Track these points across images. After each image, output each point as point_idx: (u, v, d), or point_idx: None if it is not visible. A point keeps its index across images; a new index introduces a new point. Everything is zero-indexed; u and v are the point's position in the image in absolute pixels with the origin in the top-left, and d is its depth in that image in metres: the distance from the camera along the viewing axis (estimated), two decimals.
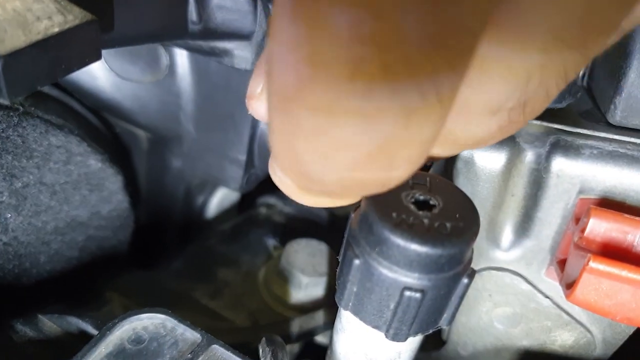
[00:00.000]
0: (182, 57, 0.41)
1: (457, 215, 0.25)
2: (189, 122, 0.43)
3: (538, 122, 0.32)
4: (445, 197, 0.26)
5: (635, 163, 0.30)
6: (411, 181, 0.26)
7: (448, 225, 0.24)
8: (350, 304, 0.27)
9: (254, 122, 0.42)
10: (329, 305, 0.41)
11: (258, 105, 0.25)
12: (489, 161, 0.32)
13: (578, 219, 0.31)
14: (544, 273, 0.34)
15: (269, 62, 0.16)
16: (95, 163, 0.39)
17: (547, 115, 0.32)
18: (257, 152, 0.44)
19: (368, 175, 0.17)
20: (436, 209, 0.25)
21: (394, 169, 0.17)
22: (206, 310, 0.40)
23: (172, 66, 0.41)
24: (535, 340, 0.36)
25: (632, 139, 0.31)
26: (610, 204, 0.30)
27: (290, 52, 0.14)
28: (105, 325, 0.32)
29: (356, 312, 0.27)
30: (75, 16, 0.25)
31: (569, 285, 0.29)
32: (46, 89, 0.40)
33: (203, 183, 0.49)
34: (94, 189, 0.40)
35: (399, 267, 0.24)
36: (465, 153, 0.32)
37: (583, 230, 0.29)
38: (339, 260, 0.29)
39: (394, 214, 0.24)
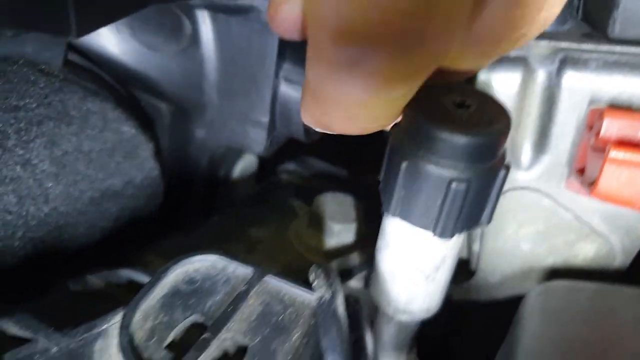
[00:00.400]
0: (205, 25, 0.43)
1: (490, 111, 0.27)
2: (212, 90, 0.45)
3: (546, 43, 0.35)
4: (478, 99, 0.28)
5: (637, 70, 0.33)
6: (446, 89, 0.29)
7: (484, 117, 0.27)
8: (398, 209, 0.29)
9: (275, 83, 0.44)
10: (361, 249, 0.43)
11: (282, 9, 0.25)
12: (505, 84, 0.35)
13: (591, 127, 0.34)
14: (564, 186, 0.37)
15: None
16: (129, 130, 0.41)
17: (553, 37, 0.35)
18: (278, 113, 0.46)
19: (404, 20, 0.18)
20: (472, 108, 0.28)
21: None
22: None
23: (194, 34, 0.43)
24: (560, 256, 0.39)
25: (632, 49, 0.34)
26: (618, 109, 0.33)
27: None
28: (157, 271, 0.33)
29: (404, 216, 0.29)
30: None
31: (591, 184, 0.32)
32: (78, 58, 0.42)
33: (225, 152, 0.51)
34: (128, 156, 0.42)
35: (445, 161, 0.27)
36: (482, 77, 0.35)
37: (598, 133, 0.32)
38: (382, 174, 0.31)
39: (438, 114, 0.27)
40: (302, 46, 0.44)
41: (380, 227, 0.33)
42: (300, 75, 0.44)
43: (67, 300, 0.35)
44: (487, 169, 0.27)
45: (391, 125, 0.30)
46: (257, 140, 0.47)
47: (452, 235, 0.29)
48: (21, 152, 0.37)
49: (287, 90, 0.45)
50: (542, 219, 0.38)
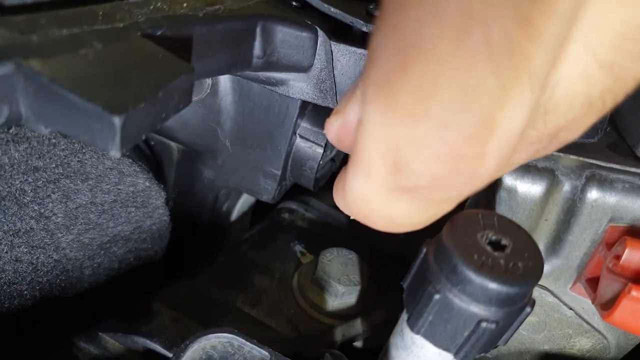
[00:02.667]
0: (224, 78, 0.42)
1: (525, 255, 0.28)
2: (226, 138, 0.45)
3: (574, 157, 0.35)
4: (512, 236, 0.29)
5: None
6: (482, 221, 0.29)
7: (520, 265, 0.28)
8: (422, 329, 0.30)
9: (292, 139, 0.44)
10: (364, 312, 0.44)
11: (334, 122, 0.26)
12: (530, 190, 0.36)
13: (608, 243, 0.35)
14: (570, 288, 0.38)
15: (371, 50, 0.18)
16: (142, 182, 0.41)
17: (581, 149, 0.36)
18: (291, 166, 0.46)
19: (460, 164, 0.18)
20: (508, 249, 0.28)
21: (484, 159, 0.18)
22: (249, 319, 0.43)
23: (214, 85, 0.42)
24: (556, 345, 0.41)
25: None
26: (638, 231, 0.34)
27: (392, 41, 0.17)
28: (177, 347, 0.34)
29: (428, 337, 0.30)
30: (178, 66, 0.26)
31: (604, 306, 0.33)
32: None
33: (229, 191, 0.51)
34: (140, 206, 0.42)
35: (477, 303, 0.27)
36: (508, 182, 0.36)
37: (618, 258, 0.33)
38: (407, 285, 0.32)
39: (475, 256, 0.27)
40: (318, 108, 0.44)
41: (398, 326, 0.34)
42: (316, 134, 0.44)
43: None
44: (517, 309, 0.28)
45: None
46: (267, 189, 0.47)
47: (472, 358, 0.30)
48: (36, 207, 0.37)
49: (302, 145, 0.45)
50: (544, 313, 0.39)
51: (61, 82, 0.23)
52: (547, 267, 0.38)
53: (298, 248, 0.50)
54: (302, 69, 0.36)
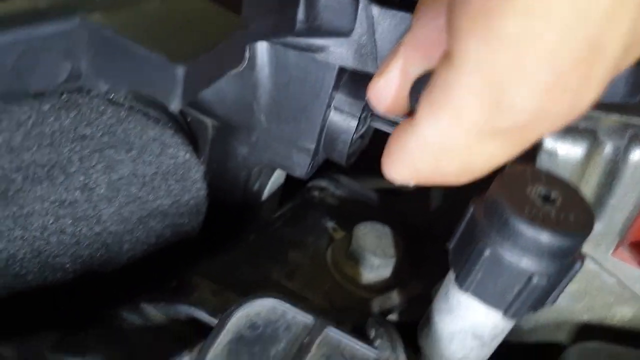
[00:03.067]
0: (262, 50, 0.42)
1: (575, 208, 0.28)
2: (262, 113, 0.45)
3: (616, 117, 0.36)
4: (561, 190, 0.29)
5: None
6: (530, 177, 0.29)
7: (571, 217, 0.28)
8: (472, 287, 0.30)
9: (326, 112, 0.44)
10: (399, 285, 0.44)
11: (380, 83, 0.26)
12: (570, 152, 0.36)
13: None
14: (611, 254, 0.38)
15: None
16: (184, 155, 0.41)
17: (622, 110, 0.36)
18: (324, 140, 0.46)
19: (564, 94, 0.18)
20: (557, 202, 0.28)
21: (589, 85, 0.18)
22: (287, 291, 0.43)
23: (251, 58, 0.42)
24: (596, 315, 0.41)
25: None
26: None
27: None
28: (222, 314, 0.34)
29: (478, 294, 0.30)
30: (234, 21, 0.27)
31: None
32: None
33: (262, 169, 0.51)
34: (180, 179, 0.42)
35: (529, 256, 0.28)
36: (548, 145, 0.36)
37: None
38: (453, 244, 0.32)
39: (526, 209, 0.28)
40: (354, 78, 0.44)
41: (442, 289, 0.34)
42: (351, 105, 0.44)
43: (126, 332, 0.36)
44: (568, 264, 0.28)
45: None
46: (300, 164, 0.47)
47: (521, 317, 0.30)
48: (81, 177, 0.37)
49: (336, 118, 0.45)
50: (584, 280, 0.39)
51: (125, 34, 0.24)
52: None
53: (330, 224, 0.50)
54: (343, 33, 0.37)
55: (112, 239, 0.42)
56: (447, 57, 0.20)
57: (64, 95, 0.33)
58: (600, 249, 0.38)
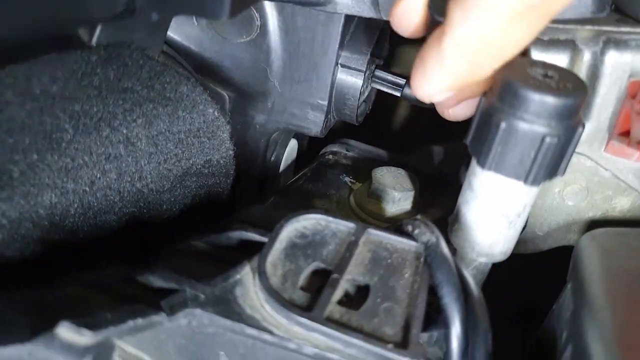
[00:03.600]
0: (272, 17, 0.47)
1: (570, 79, 0.33)
2: (276, 77, 0.50)
3: (590, 27, 0.41)
4: (556, 70, 0.34)
5: None
6: (528, 63, 0.34)
7: (569, 85, 0.33)
8: (494, 163, 0.34)
9: (335, 70, 0.49)
10: (421, 214, 0.48)
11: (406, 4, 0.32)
12: (556, 61, 0.41)
13: (632, 96, 0.40)
14: (604, 149, 0.43)
15: None
16: (212, 112, 0.45)
17: (595, 22, 0.42)
18: (335, 98, 0.51)
19: None
20: (555, 77, 0.33)
21: None
22: None
23: (263, 26, 0.47)
24: (599, 209, 0.45)
25: None
26: None
27: None
28: (273, 228, 0.37)
29: (499, 169, 0.34)
30: None
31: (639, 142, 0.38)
32: (167, 48, 0.46)
33: (278, 136, 0.55)
34: (210, 137, 0.46)
35: (539, 119, 0.32)
36: (535, 57, 0.41)
37: None
38: (471, 136, 0.36)
39: (531, 81, 0.32)
40: (355, 37, 0.49)
41: (466, 183, 0.38)
42: (356, 61, 0.49)
43: (185, 261, 0.39)
44: (572, 126, 0.33)
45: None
46: (315, 122, 0.52)
47: (539, 183, 0.34)
48: (125, 131, 0.40)
49: (344, 76, 0.50)
50: (584, 178, 0.44)
51: None
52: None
53: (347, 179, 0.54)
54: None
55: (153, 197, 0.45)
56: None
57: (109, 48, 0.37)
58: (593, 146, 0.43)
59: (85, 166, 0.39)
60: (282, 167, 0.59)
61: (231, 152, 0.48)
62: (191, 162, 0.46)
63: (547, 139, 0.32)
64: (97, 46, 0.36)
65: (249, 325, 0.32)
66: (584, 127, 0.34)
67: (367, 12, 0.43)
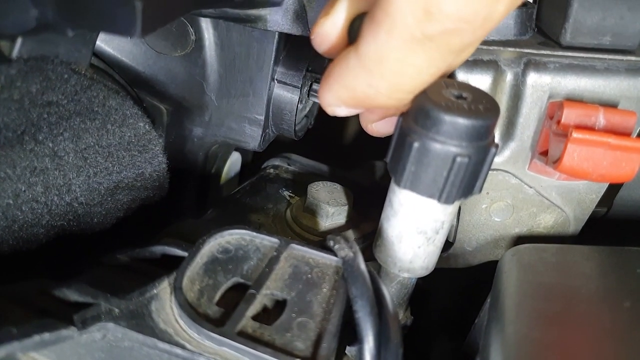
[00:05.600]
0: (207, 32, 0.48)
1: (483, 101, 0.34)
2: (212, 91, 0.50)
3: (512, 49, 0.42)
4: (471, 91, 0.35)
5: (587, 71, 0.41)
6: (444, 84, 0.35)
7: (480, 106, 0.34)
8: (408, 182, 0.35)
9: (271, 86, 0.49)
10: (353, 228, 0.49)
11: (327, 24, 0.32)
12: (480, 82, 0.42)
13: (551, 116, 0.41)
14: (527, 168, 0.44)
15: None
16: (143, 125, 0.45)
17: (517, 44, 0.43)
18: (272, 112, 0.51)
19: (481, 5, 0.25)
20: (469, 98, 0.34)
21: (497, 4, 0.25)
22: None
23: (198, 40, 0.48)
24: (525, 226, 0.46)
25: (581, 54, 0.42)
26: (572, 102, 0.41)
27: None
28: (194, 244, 0.37)
29: (414, 188, 0.35)
30: None
31: (555, 162, 0.39)
32: (96, 61, 0.45)
33: (218, 149, 0.55)
34: (141, 151, 0.46)
35: (451, 140, 0.33)
36: (460, 77, 0.42)
37: (559, 121, 0.39)
38: (390, 155, 0.37)
39: (443, 103, 0.33)
40: (290, 54, 0.49)
41: (387, 200, 0.39)
42: (292, 77, 0.50)
43: (107, 274, 0.39)
44: (484, 147, 0.34)
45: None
46: (252, 136, 0.52)
47: (453, 202, 0.35)
48: (50, 144, 0.40)
49: (280, 91, 0.50)
50: (510, 195, 0.45)
51: None
52: (506, 152, 0.44)
53: (286, 193, 0.55)
54: (276, 3, 0.43)
55: (83, 210, 0.44)
56: None
57: (30, 61, 0.37)
58: (518, 164, 0.44)
59: (9, 179, 0.39)
60: (223, 180, 0.59)
61: (164, 166, 0.48)
62: (122, 175, 0.46)
63: (459, 159, 0.33)
64: (18, 59, 0.36)
65: (161, 340, 0.32)
66: (497, 147, 0.35)
67: (297, 30, 0.44)
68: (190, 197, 0.56)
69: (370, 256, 0.48)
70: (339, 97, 0.34)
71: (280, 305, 0.34)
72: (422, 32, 0.26)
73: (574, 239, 0.47)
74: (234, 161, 0.59)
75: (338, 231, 0.49)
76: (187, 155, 0.54)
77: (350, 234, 0.47)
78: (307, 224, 0.49)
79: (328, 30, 0.34)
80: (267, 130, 0.52)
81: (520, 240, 0.47)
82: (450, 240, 0.49)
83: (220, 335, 0.31)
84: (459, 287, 0.57)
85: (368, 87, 0.31)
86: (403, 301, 0.43)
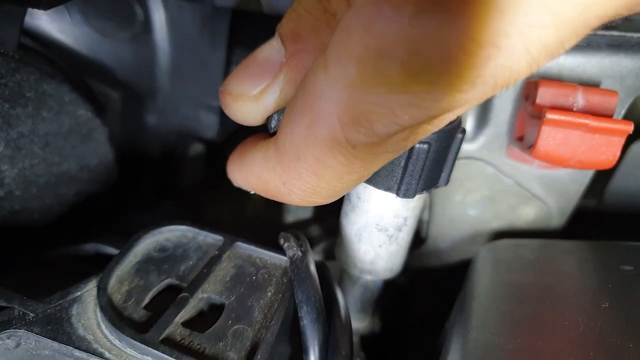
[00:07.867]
0: (157, 11, 0.44)
1: None
2: (164, 76, 0.46)
3: None
4: None
5: None
6: None
7: None
8: None
9: (227, 68, 0.46)
10: (318, 223, 0.45)
11: (250, 106, 0.26)
12: None
13: (527, 98, 0.37)
14: (505, 155, 0.40)
15: None
16: (84, 113, 0.41)
17: None
18: None
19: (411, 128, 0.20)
20: None
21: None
22: None
23: (147, 22, 0.44)
24: (504, 219, 0.42)
25: None
26: (547, 81, 0.37)
27: None
28: (129, 240, 0.34)
29: (370, 181, 0.31)
30: None
31: (530, 147, 0.35)
32: (31, 42, 0.42)
33: (177, 140, 0.52)
34: (84, 140, 0.42)
35: None
36: None
37: (534, 102, 0.35)
38: None
39: None
40: (253, 32, 0.45)
41: (346, 195, 0.35)
42: None
43: (33, 274, 0.35)
44: (447, 132, 0.30)
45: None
46: (209, 125, 0.48)
47: (413, 196, 0.31)
48: None
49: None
50: (486, 186, 0.41)
51: None
52: (481, 138, 0.40)
53: None
54: None
55: (20, 205, 0.41)
56: (320, 64, 0.20)
57: None
58: (494, 152, 0.40)
59: None
60: (186, 173, 0.55)
61: (111, 157, 0.45)
62: (64, 167, 0.42)
63: (417, 146, 0.29)
64: None
65: (77, 348, 0.28)
66: (464, 132, 0.31)
67: (249, 5, 0.40)
68: (146, 189, 0.53)
69: (329, 247, 0.44)
70: (248, 183, 0.28)
71: (217, 310, 0.31)
72: (346, 138, 0.21)
73: (559, 233, 0.43)
74: (196, 150, 0.55)
75: (302, 226, 0.45)
76: (142, 145, 0.50)
77: (314, 230, 0.44)
78: (270, 218, 0.45)
79: (248, 113, 0.27)
80: (225, 119, 0.48)
81: (499, 236, 0.43)
82: (422, 236, 0.45)
83: (141, 342, 0.27)
84: (440, 287, 0.54)
85: (282, 185, 0.25)
86: (368, 305, 0.39)
